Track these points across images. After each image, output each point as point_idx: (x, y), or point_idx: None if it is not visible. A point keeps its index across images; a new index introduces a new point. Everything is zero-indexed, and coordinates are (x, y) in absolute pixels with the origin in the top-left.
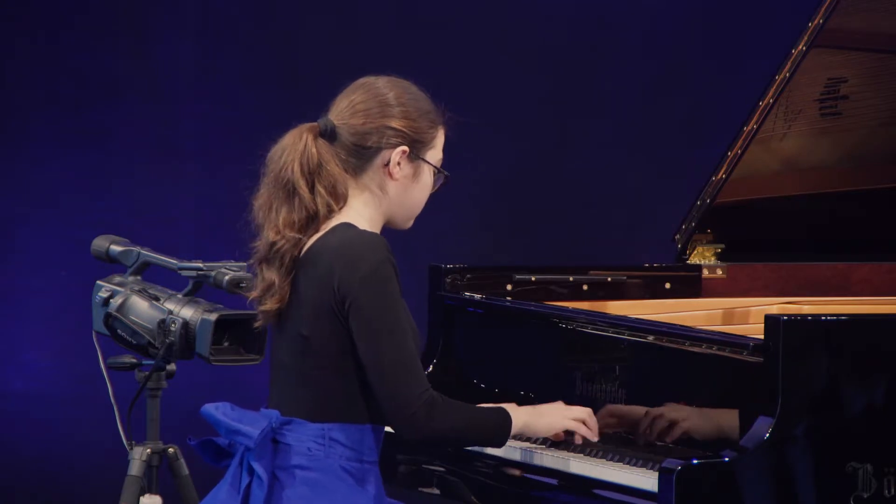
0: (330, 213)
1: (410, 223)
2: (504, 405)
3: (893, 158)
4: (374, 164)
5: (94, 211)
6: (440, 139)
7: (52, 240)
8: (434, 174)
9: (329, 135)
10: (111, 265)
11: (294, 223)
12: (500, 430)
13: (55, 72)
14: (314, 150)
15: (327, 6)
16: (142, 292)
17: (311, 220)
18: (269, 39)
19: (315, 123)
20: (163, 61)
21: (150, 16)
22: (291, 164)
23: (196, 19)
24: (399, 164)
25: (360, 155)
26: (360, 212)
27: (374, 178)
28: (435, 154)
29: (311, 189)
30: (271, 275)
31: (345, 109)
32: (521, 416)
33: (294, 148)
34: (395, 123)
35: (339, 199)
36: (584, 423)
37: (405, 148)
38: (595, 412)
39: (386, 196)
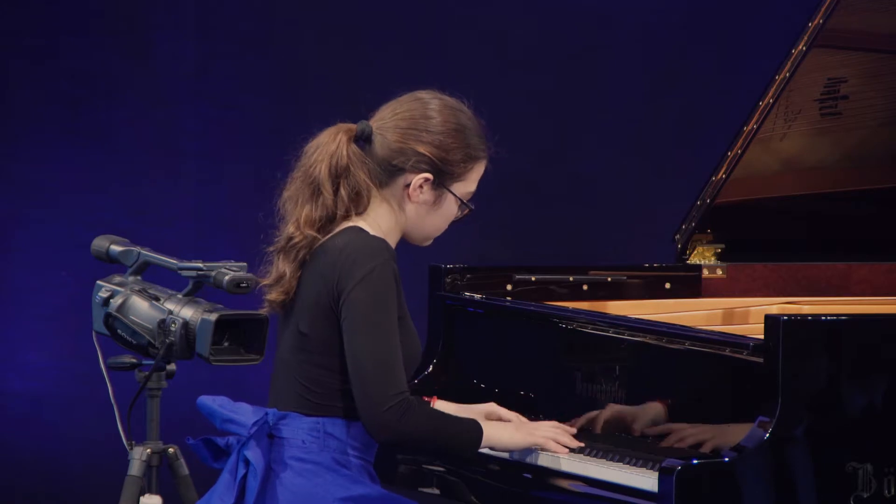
0: (347, 216)
1: (427, 243)
2: (476, 416)
3: (893, 158)
4: (397, 182)
5: (94, 211)
6: (475, 173)
7: (52, 240)
8: (459, 205)
9: (364, 140)
10: (111, 265)
11: (314, 222)
12: (471, 442)
13: (55, 72)
14: (345, 153)
15: (327, 6)
16: (142, 292)
17: (329, 221)
18: (269, 40)
19: (353, 125)
20: (163, 61)
21: (150, 16)
22: (320, 164)
23: (196, 19)
24: (420, 188)
25: (386, 169)
26: (377, 220)
27: (395, 195)
28: (464, 186)
29: (335, 191)
30: (284, 266)
31: (387, 119)
32: (491, 430)
33: (326, 147)
34: (423, 149)
35: (361, 205)
36: (554, 438)
37: (428, 175)
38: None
39: (403, 214)
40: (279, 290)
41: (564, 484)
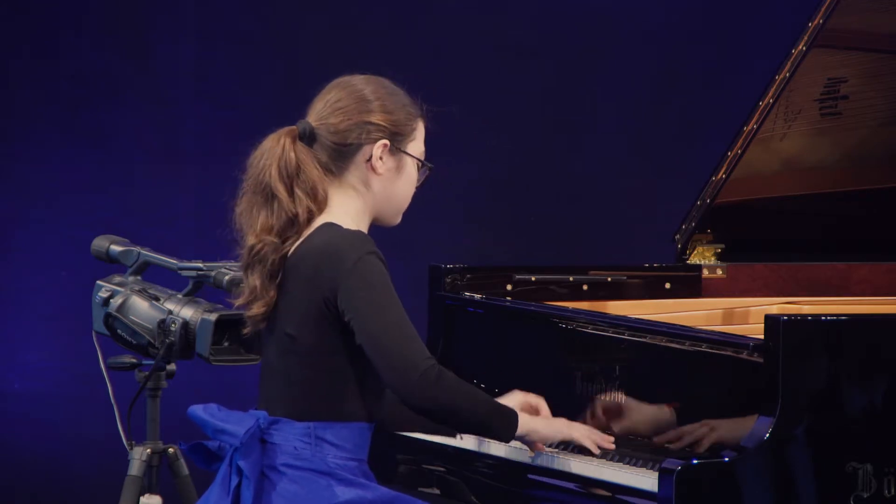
0: (311, 216)
1: (398, 219)
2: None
3: (893, 158)
4: (355, 161)
5: (94, 211)
6: (420, 131)
7: (52, 240)
8: (418, 167)
9: (308, 137)
10: (111, 265)
11: (272, 227)
12: (507, 421)
13: (55, 72)
14: (292, 154)
15: (326, 6)
16: (142, 292)
17: (291, 224)
18: (269, 39)
19: (293, 127)
20: (163, 61)
21: (150, 16)
22: (269, 169)
23: (196, 19)
24: (381, 157)
25: (341, 153)
26: (345, 210)
27: (357, 175)
28: (417, 146)
29: (291, 193)
30: (255, 280)
31: (322, 110)
32: (527, 418)
33: (272, 152)
34: (373, 118)
35: (320, 201)
36: (589, 437)
37: (386, 141)
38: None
39: (370, 192)
40: (258, 304)
41: (564, 483)
